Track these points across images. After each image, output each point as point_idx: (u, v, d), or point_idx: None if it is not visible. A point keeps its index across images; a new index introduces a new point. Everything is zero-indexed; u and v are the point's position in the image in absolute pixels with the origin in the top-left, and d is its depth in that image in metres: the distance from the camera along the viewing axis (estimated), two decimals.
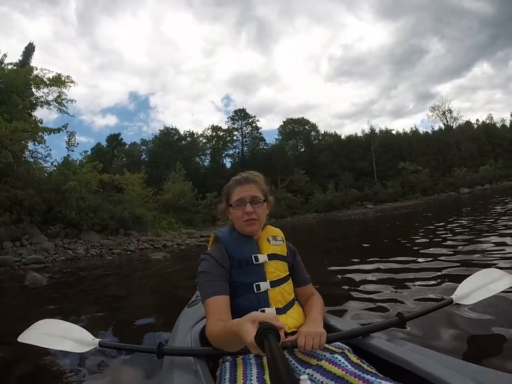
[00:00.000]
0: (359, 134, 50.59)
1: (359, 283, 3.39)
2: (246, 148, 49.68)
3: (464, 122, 46.79)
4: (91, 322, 3.26)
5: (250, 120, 49.95)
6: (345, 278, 3.73)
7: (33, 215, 11.62)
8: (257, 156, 47.22)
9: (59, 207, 12.95)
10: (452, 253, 4.28)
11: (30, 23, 63.99)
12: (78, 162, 16.97)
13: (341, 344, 1.07)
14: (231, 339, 0.90)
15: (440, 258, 4.05)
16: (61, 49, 67.90)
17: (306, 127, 52.06)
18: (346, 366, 0.92)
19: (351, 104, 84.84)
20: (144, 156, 44.92)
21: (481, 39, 67.58)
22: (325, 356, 0.99)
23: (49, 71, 15.81)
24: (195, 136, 47.54)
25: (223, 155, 49.13)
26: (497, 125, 47.98)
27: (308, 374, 0.93)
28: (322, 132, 52.96)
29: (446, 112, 46.24)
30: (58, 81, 15.81)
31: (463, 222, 7.90)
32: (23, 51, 19.45)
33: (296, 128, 51.71)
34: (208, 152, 48.23)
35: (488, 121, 48.28)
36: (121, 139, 45.62)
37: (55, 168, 15.74)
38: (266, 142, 50.37)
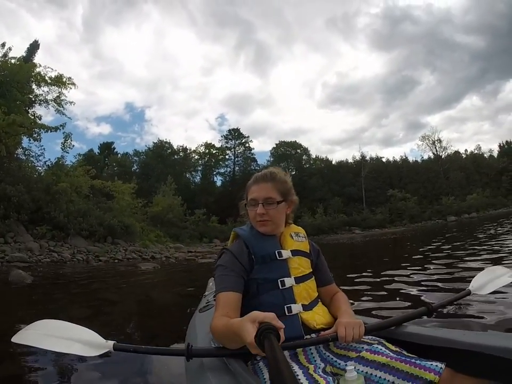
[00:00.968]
0: (350, 160, 51.19)
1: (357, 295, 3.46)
2: (237, 168, 49.39)
3: (453, 152, 47.91)
4: (83, 323, 3.01)
5: (243, 140, 50.05)
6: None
7: (21, 213, 11.23)
8: (249, 176, 45.61)
9: (48, 208, 12.61)
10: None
11: (36, 23, 64.23)
12: (71, 165, 16.54)
13: (374, 337, 1.07)
14: (231, 337, 0.90)
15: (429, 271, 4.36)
16: (64, 53, 67.96)
17: (298, 150, 52.44)
18: (389, 353, 0.94)
19: (342, 131, 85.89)
20: (135, 167, 44.21)
21: (471, 72, 68.83)
22: (363, 347, 1.00)
23: (52, 69, 15.70)
24: (188, 151, 47.21)
25: (214, 173, 48.71)
26: (485, 155, 49.43)
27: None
28: (314, 156, 53.42)
29: (436, 142, 47.18)
30: (59, 81, 15.67)
31: (447, 246, 8.18)
32: (28, 47, 19.39)
33: (288, 151, 51.97)
34: (199, 168, 47.96)
35: (476, 151, 49.67)
36: (114, 148, 45.11)
37: (47, 168, 15.27)
38: (258, 163, 50.23)
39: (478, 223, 20.09)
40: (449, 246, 7.89)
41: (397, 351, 0.96)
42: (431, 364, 0.89)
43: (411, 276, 4.27)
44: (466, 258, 5.26)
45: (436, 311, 1.28)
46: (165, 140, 46.27)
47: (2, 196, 10.80)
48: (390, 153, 67.80)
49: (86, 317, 3.36)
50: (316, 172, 48.07)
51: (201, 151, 48.04)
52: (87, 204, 15.25)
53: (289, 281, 1.14)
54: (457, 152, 48.72)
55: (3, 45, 14.25)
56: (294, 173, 51.45)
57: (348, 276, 4.77)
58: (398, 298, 3.12)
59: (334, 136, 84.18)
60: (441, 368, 0.88)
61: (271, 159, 52.55)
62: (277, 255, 1.17)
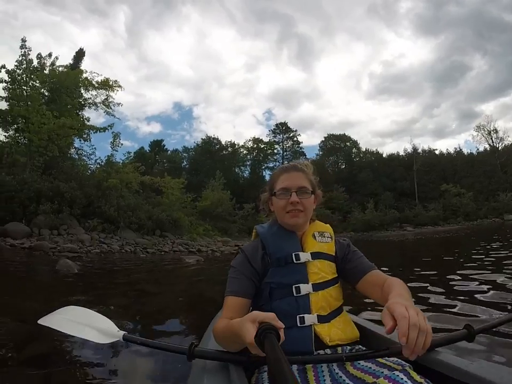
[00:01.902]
0: (401, 153, 48.83)
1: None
2: (286, 162, 49.04)
3: (510, 143, 42.86)
4: (116, 312, 3.22)
5: (291, 134, 49.62)
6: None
7: (73, 208, 11.98)
8: None
9: (99, 203, 13.36)
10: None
11: (80, 33, 69.19)
12: (120, 162, 17.47)
13: (399, 359, 0.86)
14: (231, 337, 0.87)
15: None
16: (110, 59, 73.30)
17: (348, 143, 50.96)
18: None
19: (392, 122, 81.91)
20: (185, 163, 45.81)
21: None
22: (382, 372, 0.82)
23: (98, 74, 16.74)
24: (236, 147, 47.95)
25: (263, 167, 48.87)
26: None
27: None
28: (364, 149, 51.72)
29: (492, 132, 42.80)
30: (106, 84, 16.64)
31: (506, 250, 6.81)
32: (74, 55, 20.94)
33: (337, 145, 50.80)
34: (248, 163, 48.43)
35: None
36: (164, 145, 47.16)
37: (98, 166, 16.29)
38: (306, 157, 49.61)
39: None
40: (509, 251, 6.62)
41: (421, 382, 0.75)
42: None
43: (459, 285, 3.63)
44: None
45: (478, 334, 1.02)
46: (213, 136, 47.36)
47: (56, 192, 11.61)
48: (443, 145, 63.33)
49: (121, 306, 3.42)
50: (366, 166, 46.53)
51: (250, 146, 48.47)
52: (137, 199, 15.94)
53: (305, 288, 1.04)
54: None
55: (50, 55, 15.35)
56: (343, 166, 50.20)
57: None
58: (436, 312, 2.60)
59: (384, 128, 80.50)
60: None
61: (320, 152, 51.84)
62: (294, 258, 1.07)
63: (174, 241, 15.27)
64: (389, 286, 0.98)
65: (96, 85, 16.21)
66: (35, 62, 12.41)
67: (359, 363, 0.89)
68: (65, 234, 10.80)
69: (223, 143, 47.31)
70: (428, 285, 3.62)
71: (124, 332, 1.14)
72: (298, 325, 0.99)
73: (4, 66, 11.37)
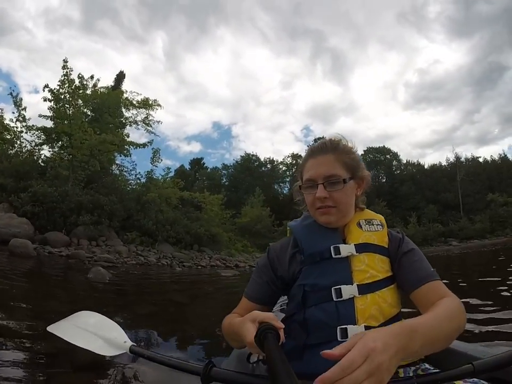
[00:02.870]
0: (444, 163, 46.73)
1: None
2: None
3: None
4: (139, 320, 3.15)
5: None
6: None
7: (113, 220, 12.31)
8: None
9: (138, 216, 13.69)
10: None
11: (121, 59, 75.37)
12: (160, 177, 17.94)
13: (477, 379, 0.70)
14: (232, 336, 0.83)
15: None
16: (150, 82, 78.29)
17: (388, 156, 49.36)
18: None
19: (432, 132, 79.32)
20: (224, 180, 45.99)
21: None
22: None
23: (138, 93, 17.59)
24: (275, 163, 47.83)
25: None
26: None
27: None
28: (404, 161, 49.88)
29: None
30: (146, 104, 17.42)
31: None
32: (115, 78, 22.27)
33: (377, 158, 49.28)
34: (287, 180, 48.05)
35: None
36: (204, 163, 48.25)
37: (138, 181, 16.81)
38: None
39: None
40: None
41: None
42: None
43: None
44: None
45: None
46: (252, 153, 47.73)
47: (96, 204, 11.98)
48: (487, 152, 58.69)
49: (146, 314, 3.37)
50: (407, 178, 44.61)
51: (289, 162, 48.15)
52: (176, 214, 16.16)
53: (348, 290, 0.82)
54: None
55: (92, 77, 16.20)
56: (384, 180, 48.44)
57: None
58: None
59: (424, 139, 78.15)
60: None
61: None
62: (333, 252, 0.86)
63: (211, 256, 15.29)
64: (433, 307, 0.73)
65: (137, 104, 16.99)
66: (77, 82, 13.21)
67: None
68: (103, 246, 11.06)
69: (262, 159, 47.57)
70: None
71: (132, 344, 1.01)
72: (339, 339, 0.78)
73: (47, 86, 12.26)
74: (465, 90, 74.07)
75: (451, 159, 45.40)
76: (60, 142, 13.81)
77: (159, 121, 18.50)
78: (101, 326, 1.15)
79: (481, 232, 33.12)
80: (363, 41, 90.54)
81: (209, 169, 47.17)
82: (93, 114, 15.09)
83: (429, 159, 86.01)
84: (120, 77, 22.34)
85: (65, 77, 12.55)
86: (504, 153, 46.92)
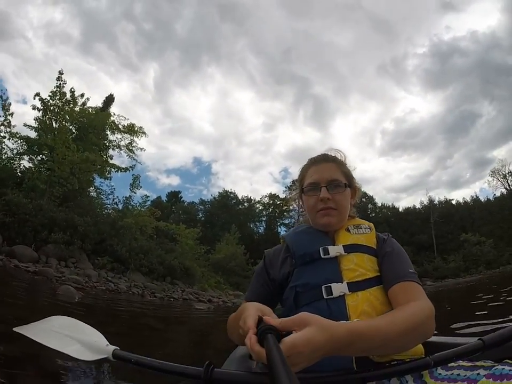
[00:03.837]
0: (417, 206, 48.60)
1: None
2: (301, 218, 47.93)
3: None
4: (110, 339, 2.87)
5: None
6: None
7: (85, 242, 11.73)
8: None
9: (111, 241, 13.15)
10: None
11: (112, 84, 75.16)
12: (138, 205, 17.57)
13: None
14: (236, 323, 0.76)
15: None
16: (137, 110, 78.17)
17: (363, 199, 50.93)
18: None
19: (406, 177, 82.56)
20: (201, 215, 45.63)
21: None
22: (478, 374, 0.65)
23: (125, 118, 17.57)
24: (252, 202, 48.14)
25: (278, 224, 48.37)
26: None
27: None
28: (380, 205, 51.59)
29: (507, 175, 42.74)
30: (131, 130, 17.38)
31: None
32: (104, 100, 22.33)
33: None
34: (263, 219, 48.26)
35: None
36: (181, 197, 47.82)
37: (115, 206, 16.35)
38: None
39: None
40: None
41: None
42: None
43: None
44: None
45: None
46: (230, 190, 47.94)
47: (70, 223, 11.45)
48: (460, 195, 62.48)
49: (118, 333, 3.29)
50: (382, 221, 45.59)
51: (266, 202, 48.65)
52: (150, 243, 15.74)
53: (338, 288, 0.85)
54: None
55: (82, 95, 16.20)
56: None
57: None
58: None
59: (399, 183, 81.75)
60: None
61: None
62: (322, 252, 0.90)
63: (184, 289, 14.92)
64: (395, 310, 0.76)
65: (122, 129, 16.92)
66: (68, 95, 13.06)
67: (439, 373, 0.73)
68: (73, 267, 10.44)
69: (240, 197, 47.83)
70: None
71: (114, 347, 0.91)
72: None
73: (38, 94, 12.04)
74: (439, 138, 78.28)
75: (425, 202, 47.21)
76: (41, 155, 13.40)
77: (143, 149, 18.42)
78: (78, 330, 1.06)
79: (456, 271, 34.12)
80: (345, 90, 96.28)
81: (186, 203, 46.84)
82: (77, 133, 14.84)
83: (404, 202, 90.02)
84: (109, 99, 22.48)
85: (58, 89, 12.42)
86: (476, 195, 49.29)
